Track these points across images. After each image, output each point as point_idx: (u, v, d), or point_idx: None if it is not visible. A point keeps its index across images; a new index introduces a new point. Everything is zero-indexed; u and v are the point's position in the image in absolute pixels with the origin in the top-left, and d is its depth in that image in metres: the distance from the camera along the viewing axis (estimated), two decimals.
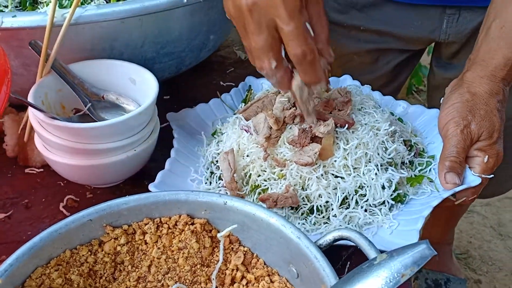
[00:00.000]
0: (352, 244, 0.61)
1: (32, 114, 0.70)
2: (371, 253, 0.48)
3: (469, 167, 0.70)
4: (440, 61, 1.14)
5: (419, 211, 0.66)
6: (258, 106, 0.79)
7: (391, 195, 0.69)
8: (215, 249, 0.55)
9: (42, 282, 0.49)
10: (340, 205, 0.67)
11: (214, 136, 0.83)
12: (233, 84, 1.03)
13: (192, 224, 0.55)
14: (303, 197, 0.68)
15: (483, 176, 0.69)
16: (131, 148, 0.71)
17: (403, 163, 0.74)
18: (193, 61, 0.95)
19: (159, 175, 0.71)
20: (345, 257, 0.68)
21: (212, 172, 0.75)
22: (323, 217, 0.68)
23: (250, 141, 0.73)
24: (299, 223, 0.68)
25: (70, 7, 0.74)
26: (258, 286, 0.53)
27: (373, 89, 0.89)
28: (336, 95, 0.76)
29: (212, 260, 0.55)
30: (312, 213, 0.68)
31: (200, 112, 0.87)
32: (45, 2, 0.79)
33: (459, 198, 0.70)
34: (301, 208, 0.68)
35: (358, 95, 0.80)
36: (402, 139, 0.76)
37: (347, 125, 0.71)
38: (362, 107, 0.77)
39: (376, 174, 0.69)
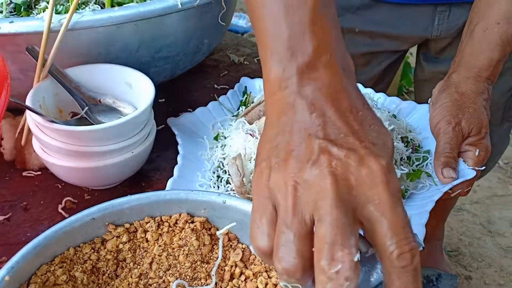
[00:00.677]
0: None
1: (30, 118, 0.72)
2: (361, 246, 0.50)
3: (463, 161, 0.74)
4: (428, 56, 1.18)
5: (422, 206, 0.69)
6: (260, 109, 0.80)
7: None
8: (214, 247, 0.57)
9: (47, 278, 0.50)
10: None
11: (217, 139, 0.84)
12: (227, 87, 1.05)
13: (192, 222, 0.56)
14: None
15: (476, 168, 0.72)
16: (129, 150, 0.73)
17: (401, 159, 0.77)
18: (188, 65, 0.97)
19: (170, 182, 0.72)
20: None
21: (219, 176, 0.76)
22: None
23: (256, 145, 0.74)
24: None
25: (64, 13, 0.76)
26: (256, 282, 0.55)
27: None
28: None
29: (211, 257, 0.56)
30: None
31: (200, 116, 0.88)
32: (40, 8, 0.81)
33: (455, 191, 0.73)
34: None
35: None
36: (399, 136, 0.78)
37: None
38: None
39: None
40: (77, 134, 0.68)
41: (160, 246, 0.55)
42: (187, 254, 0.55)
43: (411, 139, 0.80)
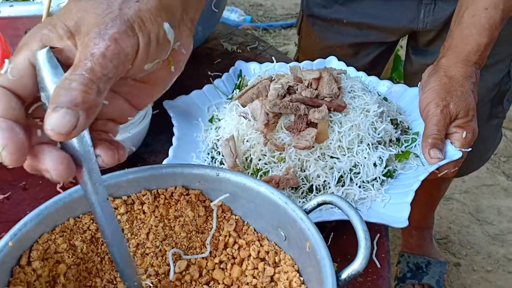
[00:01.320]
0: (335, 219, 0.66)
1: None
2: (350, 214, 0.53)
3: (450, 142, 0.76)
4: (417, 49, 1.21)
5: (408, 185, 0.71)
6: (253, 92, 0.82)
7: (382, 171, 0.74)
8: (208, 218, 0.59)
9: (48, 246, 0.52)
10: (337, 183, 0.72)
11: (212, 122, 0.86)
12: (221, 74, 1.07)
13: (187, 194, 0.59)
14: (302, 178, 0.72)
15: (463, 150, 0.75)
16: (125, 131, 0.75)
17: (390, 140, 0.79)
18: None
19: (165, 162, 0.74)
20: (329, 229, 0.73)
21: (213, 157, 0.79)
22: (322, 195, 0.72)
23: (249, 127, 0.76)
24: (299, 202, 0.72)
25: None
26: (249, 250, 0.58)
27: None
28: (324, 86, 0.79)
29: (206, 228, 0.59)
30: (311, 192, 0.73)
31: (195, 99, 0.90)
32: None
33: (441, 171, 0.76)
34: (301, 188, 0.72)
35: (347, 78, 0.84)
36: (389, 118, 0.81)
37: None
38: (352, 90, 0.81)
39: (368, 153, 0.74)
40: None
41: (156, 217, 0.58)
42: (182, 224, 0.58)
43: (400, 121, 0.83)
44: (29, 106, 0.40)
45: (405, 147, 0.80)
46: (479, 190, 2.08)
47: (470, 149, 0.77)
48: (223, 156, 0.76)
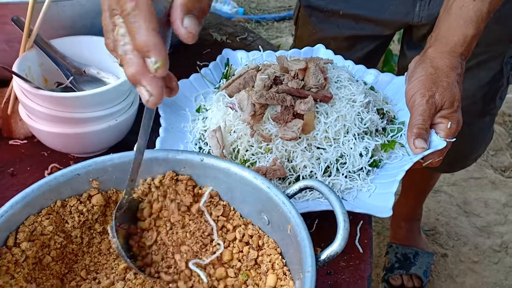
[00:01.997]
0: (321, 209, 0.67)
1: (17, 85, 0.74)
2: (330, 197, 0.54)
3: (435, 132, 0.77)
4: (411, 43, 1.21)
5: (393, 175, 0.72)
6: (240, 82, 0.82)
7: (368, 161, 0.75)
8: (196, 204, 0.60)
9: (34, 228, 0.53)
10: (323, 173, 0.73)
11: (199, 112, 0.86)
12: (209, 64, 1.08)
13: (177, 180, 0.60)
14: (289, 168, 0.73)
15: (447, 140, 0.76)
16: (112, 118, 0.76)
17: (377, 130, 0.80)
18: (173, 42, 0.99)
19: None
20: (313, 217, 0.74)
21: (200, 148, 0.79)
22: (304, 180, 0.73)
23: (235, 117, 0.77)
24: None
25: None
26: (235, 232, 0.59)
27: None
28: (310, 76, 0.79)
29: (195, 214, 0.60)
30: None
31: (182, 88, 0.88)
32: None
33: (426, 160, 0.76)
34: (288, 178, 0.73)
35: (334, 68, 0.84)
36: (375, 108, 0.81)
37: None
38: (338, 80, 0.82)
39: (354, 143, 0.74)
40: (63, 101, 0.71)
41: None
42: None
43: (387, 111, 0.83)
44: None
45: (391, 136, 0.81)
46: (467, 182, 2.11)
47: (454, 139, 0.78)
48: (210, 146, 0.77)
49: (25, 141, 0.83)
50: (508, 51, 1.15)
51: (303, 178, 0.73)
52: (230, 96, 0.81)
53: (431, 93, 0.77)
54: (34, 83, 0.78)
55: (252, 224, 0.60)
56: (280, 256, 0.56)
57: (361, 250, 0.70)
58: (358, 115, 0.77)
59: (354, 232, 0.73)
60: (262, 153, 0.74)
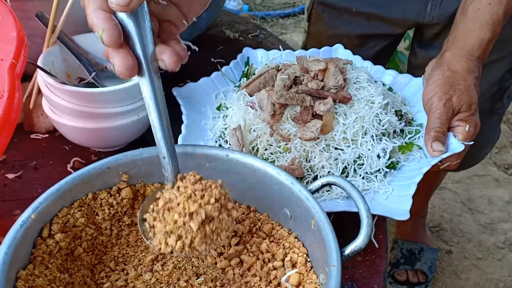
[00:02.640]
0: (339, 210, 0.69)
1: (41, 80, 0.76)
2: (353, 194, 0.56)
3: (453, 135, 0.78)
4: (422, 42, 1.22)
5: (411, 177, 0.73)
6: (260, 82, 0.83)
7: (386, 163, 0.75)
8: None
9: (67, 220, 0.55)
10: (341, 174, 0.74)
11: (219, 110, 0.87)
12: (223, 61, 1.09)
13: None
14: (307, 168, 0.74)
15: (465, 143, 0.76)
16: (135, 113, 0.77)
17: (394, 132, 0.80)
18: (186, 38, 1.00)
19: None
20: (329, 213, 0.76)
21: (220, 145, 0.80)
22: (325, 176, 0.74)
23: (255, 116, 0.78)
24: None
25: None
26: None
27: None
28: (329, 77, 0.79)
29: None
30: None
31: (203, 86, 0.91)
32: None
33: (444, 163, 0.77)
34: (306, 178, 0.74)
35: (353, 69, 0.85)
36: (393, 109, 0.82)
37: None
38: (357, 81, 0.82)
39: (372, 145, 0.75)
40: (87, 96, 0.72)
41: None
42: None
43: (405, 113, 0.84)
44: None
45: (409, 138, 0.81)
46: (471, 180, 2.12)
47: (472, 142, 0.78)
48: (230, 144, 0.78)
49: (46, 135, 0.85)
50: None
51: (320, 178, 0.74)
52: (251, 95, 0.82)
53: (449, 96, 0.78)
54: (59, 78, 0.80)
55: (275, 220, 0.62)
56: (304, 250, 0.58)
57: (376, 245, 0.72)
58: (376, 116, 0.77)
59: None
60: (280, 153, 0.75)
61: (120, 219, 0.60)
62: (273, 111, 0.75)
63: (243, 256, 0.59)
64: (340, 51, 0.98)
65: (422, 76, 0.87)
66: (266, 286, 0.56)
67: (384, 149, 0.76)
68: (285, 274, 0.55)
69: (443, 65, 0.82)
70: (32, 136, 0.85)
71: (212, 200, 0.49)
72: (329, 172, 0.73)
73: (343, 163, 0.74)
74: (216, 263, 0.60)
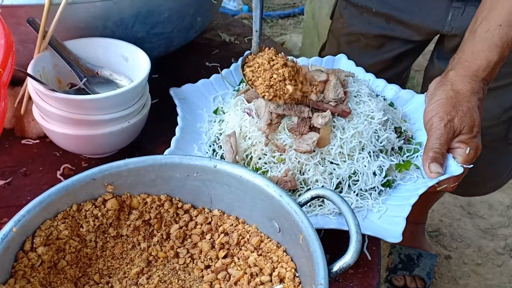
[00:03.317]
0: (330, 228, 0.67)
1: (31, 86, 0.75)
2: (343, 208, 0.54)
3: (452, 157, 0.76)
4: (441, 53, 1.20)
5: (406, 198, 0.71)
6: None
7: (381, 181, 0.74)
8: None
9: (51, 233, 0.54)
10: (335, 189, 0.72)
11: (216, 113, 0.86)
12: (218, 65, 1.08)
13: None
14: (300, 181, 0.72)
15: (465, 166, 0.75)
16: (125, 120, 0.76)
17: (392, 149, 0.78)
18: (181, 42, 1.00)
19: (166, 153, 0.74)
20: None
21: (214, 150, 0.79)
22: (315, 189, 0.73)
23: (252, 124, 0.77)
24: None
25: None
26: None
27: (372, 72, 0.92)
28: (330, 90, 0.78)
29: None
30: None
31: (201, 88, 0.90)
32: None
33: (441, 185, 0.75)
34: (299, 191, 0.73)
35: (354, 81, 0.83)
36: (393, 126, 0.80)
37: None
38: (358, 95, 0.80)
39: (368, 161, 0.73)
40: (77, 103, 0.71)
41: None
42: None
43: (404, 130, 0.82)
44: None
45: (407, 156, 0.79)
46: None
47: (472, 165, 0.76)
48: (224, 151, 0.77)
49: (38, 141, 0.84)
50: None
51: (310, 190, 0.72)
52: (249, 102, 0.81)
53: (450, 117, 0.76)
54: (48, 84, 0.79)
55: (263, 233, 0.61)
56: (292, 264, 0.57)
57: (369, 257, 0.71)
58: (375, 132, 0.76)
59: (363, 239, 0.73)
60: (274, 163, 0.74)
61: (106, 230, 0.59)
62: (270, 120, 0.74)
63: (230, 269, 0.58)
64: (343, 61, 0.97)
65: (425, 93, 0.85)
66: None
67: (380, 167, 0.74)
68: None
69: (447, 84, 0.80)
70: (23, 141, 0.84)
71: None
72: (322, 186, 0.72)
73: (337, 178, 0.72)
74: (203, 276, 0.59)
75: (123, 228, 0.60)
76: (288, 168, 0.72)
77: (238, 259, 0.59)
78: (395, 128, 0.80)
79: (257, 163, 0.75)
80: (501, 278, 1.77)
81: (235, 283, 0.57)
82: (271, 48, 0.75)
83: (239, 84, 0.92)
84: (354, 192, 0.73)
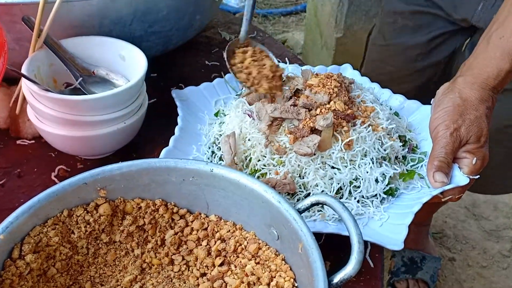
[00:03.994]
0: (329, 232, 0.65)
1: (25, 86, 0.73)
2: (344, 216, 0.52)
3: (458, 167, 0.73)
4: (474, 46, 1.16)
5: (409, 206, 0.69)
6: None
7: (384, 188, 0.72)
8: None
9: (40, 239, 0.52)
10: (335, 194, 0.70)
11: (217, 116, 0.85)
12: (218, 64, 1.07)
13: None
14: (300, 185, 0.70)
15: (471, 177, 0.72)
16: (121, 120, 0.74)
17: (396, 157, 0.76)
18: (180, 41, 0.98)
19: (164, 152, 0.73)
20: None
21: (213, 152, 0.78)
22: (315, 195, 0.71)
23: (252, 126, 0.75)
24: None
25: None
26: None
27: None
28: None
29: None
30: None
31: (204, 91, 0.89)
32: None
33: (446, 196, 0.73)
34: (297, 195, 0.70)
35: (358, 88, 0.82)
36: (397, 134, 0.78)
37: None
38: (362, 101, 0.79)
39: (371, 168, 0.71)
40: (71, 103, 0.69)
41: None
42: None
43: (409, 139, 0.80)
44: None
45: (411, 166, 0.77)
46: None
47: (478, 176, 0.73)
48: (223, 153, 0.75)
49: (33, 141, 0.82)
50: None
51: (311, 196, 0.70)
52: (250, 104, 0.80)
53: (457, 126, 0.73)
54: (43, 84, 0.77)
55: (261, 240, 0.59)
56: (290, 273, 0.54)
57: (371, 265, 0.69)
58: (378, 139, 0.74)
59: (365, 246, 0.71)
60: (274, 165, 0.72)
61: (98, 237, 0.57)
62: (271, 122, 0.72)
63: (226, 278, 0.56)
64: (348, 70, 0.95)
65: (432, 100, 0.82)
66: None
67: (383, 174, 0.72)
68: None
69: (454, 91, 0.77)
70: (18, 142, 0.82)
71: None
72: (322, 191, 0.70)
73: (338, 183, 0.70)
74: (198, 285, 0.57)
75: (116, 234, 0.58)
76: (287, 171, 0.70)
77: (235, 267, 0.57)
78: (399, 136, 0.78)
79: (256, 165, 0.73)
80: (507, 281, 1.74)
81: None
82: (256, 46, 0.83)
83: (242, 88, 0.90)
84: (355, 198, 0.70)
